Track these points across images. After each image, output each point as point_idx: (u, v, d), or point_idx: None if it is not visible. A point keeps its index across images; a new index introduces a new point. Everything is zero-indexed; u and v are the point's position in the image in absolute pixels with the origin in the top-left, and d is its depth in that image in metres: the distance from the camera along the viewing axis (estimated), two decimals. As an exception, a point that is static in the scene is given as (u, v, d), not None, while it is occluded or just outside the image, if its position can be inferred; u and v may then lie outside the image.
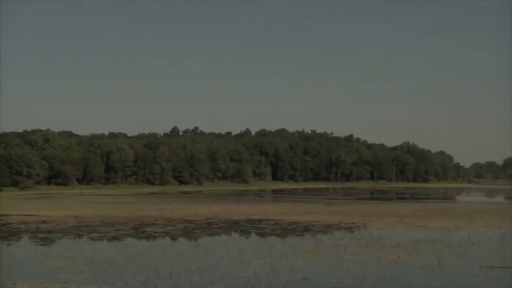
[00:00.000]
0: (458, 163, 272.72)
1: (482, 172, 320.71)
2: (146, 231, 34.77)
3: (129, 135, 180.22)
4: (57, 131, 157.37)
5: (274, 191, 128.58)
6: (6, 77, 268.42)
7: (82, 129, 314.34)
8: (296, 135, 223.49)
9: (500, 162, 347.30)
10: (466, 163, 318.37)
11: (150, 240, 30.13)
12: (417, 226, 37.54)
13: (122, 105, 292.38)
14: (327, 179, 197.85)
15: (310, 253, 24.68)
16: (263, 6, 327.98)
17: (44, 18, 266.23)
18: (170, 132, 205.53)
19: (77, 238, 31.14)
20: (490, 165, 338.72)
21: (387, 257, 23.45)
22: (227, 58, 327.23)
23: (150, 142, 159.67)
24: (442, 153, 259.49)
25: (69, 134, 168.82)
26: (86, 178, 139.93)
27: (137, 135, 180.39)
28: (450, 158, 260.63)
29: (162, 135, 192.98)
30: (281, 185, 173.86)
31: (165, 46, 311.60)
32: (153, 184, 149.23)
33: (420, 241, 28.92)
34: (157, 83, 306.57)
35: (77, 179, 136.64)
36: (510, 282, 18.42)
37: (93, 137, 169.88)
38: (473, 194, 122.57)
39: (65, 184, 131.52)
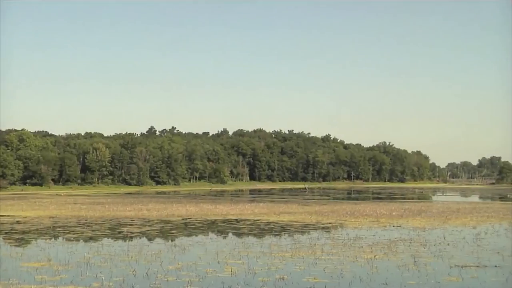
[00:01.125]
0: (434, 163, 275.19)
1: (457, 172, 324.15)
2: (122, 232, 34.60)
3: (105, 135, 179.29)
4: (32, 131, 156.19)
5: (252, 191, 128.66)
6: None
7: (58, 129, 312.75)
8: (273, 135, 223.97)
9: (475, 162, 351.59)
10: (442, 163, 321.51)
11: (127, 241, 29.96)
12: (393, 226, 37.78)
13: (98, 105, 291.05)
14: (304, 179, 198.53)
15: (287, 253, 24.72)
16: (233, 6, 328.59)
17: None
18: (147, 132, 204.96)
19: (53, 239, 30.89)
20: (465, 165, 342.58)
21: (363, 257, 23.56)
22: (204, 58, 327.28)
23: (126, 142, 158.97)
24: (418, 153, 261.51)
25: (45, 134, 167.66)
26: (62, 179, 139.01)
27: (113, 135, 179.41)
28: (426, 158, 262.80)
29: (139, 135, 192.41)
30: (258, 185, 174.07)
31: (141, 46, 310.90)
32: (129, 184, 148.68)
33: (396, 241, 29.10)
34: (134, 83, 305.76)
35: (52, 180, 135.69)
36: (484, 281, 18.58)
37: (69, 137, 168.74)
38: (448, 193, 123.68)
39: (40, 185, 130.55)
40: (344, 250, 25.51)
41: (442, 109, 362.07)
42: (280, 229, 35.95)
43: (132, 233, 33.84)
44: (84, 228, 36.79)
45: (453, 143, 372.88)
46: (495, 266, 21.37)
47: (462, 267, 20.98)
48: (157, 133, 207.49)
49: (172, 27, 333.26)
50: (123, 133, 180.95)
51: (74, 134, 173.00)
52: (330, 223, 40.42)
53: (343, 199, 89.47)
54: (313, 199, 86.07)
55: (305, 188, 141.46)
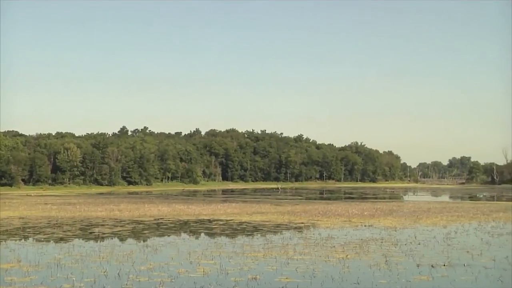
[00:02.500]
0: (405, 163, 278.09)
1: (428, 172, 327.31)
2: (94, 232, 34.32)
3: (76, 134, 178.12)
4: (2, 130, 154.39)
5: (224, 191, 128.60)
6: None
7: (29, 129, 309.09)
8: (246, 135, 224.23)
9: (445, 162, 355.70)
10: (413, 163, 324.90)
11: (98, 241, 29.74)
12: (365, 226, 38.00)
13: (69, 105, 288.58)
14: (276, 179, 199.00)
15: (260, 253, 24.74)
16: (205, 5, 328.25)
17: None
18: (118, 132, 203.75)
19: (23, 240, 30.53)
20: (436, 165, 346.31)
21: (335, 256, 23.67)
22: (176, 58, 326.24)
23: (98, 142, 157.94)
24: (389, 153, 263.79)
25: (15, 134, 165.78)
26: (32, 179, 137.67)
27: (85, 135, 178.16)
28: (397, 158, 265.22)
29: (110, 135, 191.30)
30: (231, 185, 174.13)
31: (113, 45, 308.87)
32: (101, 184, 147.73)
33: (368, 240, 29.28)
34: (106, 82, 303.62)
35: (23, 180, 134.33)
36: (454, 280, 18.79)
37: (39, 137, 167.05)
38: (419, 193, 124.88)
39: (10, 185, 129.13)
40: (316, 250, 25.60)
41: (414, 110, 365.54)
42: (253, 229, 35.97)
43: (104, 233, 33.60)
44: (54, 228, 36.43)
45: (424, 143, 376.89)
46: (465, 265, 21.61)
47: (432, 266, 21.18)
48: (129, 133, 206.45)
49: (144, 27, 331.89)
50: (95, 133, 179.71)
51: (45, 134, 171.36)
52: (302, 223, 40.54)
53: (315, 199, 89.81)
54: (286, 199, 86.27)
55: (278, 188, 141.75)
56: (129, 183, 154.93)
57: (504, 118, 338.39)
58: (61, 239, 30.93)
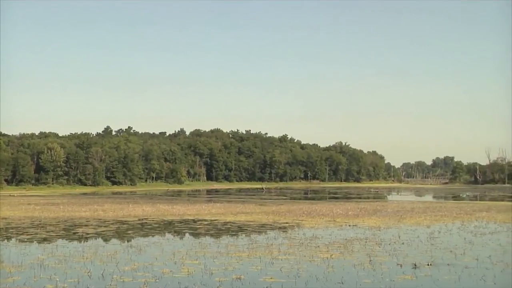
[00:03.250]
0: (389, 163, 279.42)
1: (412, 171, 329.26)
2: (77, 232, 34.15)
3: (60, 134, 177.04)
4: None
5: (209, 191, 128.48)
6: None
7: (11, 129, 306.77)
8: (230, 135, 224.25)
9: (429, 162, 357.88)
10: (397, 163, 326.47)
11: (82, 242, 29.59)
12: (349, 225, 38.10)
13: (53, 104, 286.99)
14: (261, 179, 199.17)
15: (244, 253, 24.74)
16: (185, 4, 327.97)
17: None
18: (102, 132, 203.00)
19: (6, 240, 30.31)
20: (420, 165, 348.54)
21: (320, 256, 23.72)
22: (160, 58, 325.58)
23: (82, 142, 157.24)
24: (374, 153, 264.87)
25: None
26: (15, 179, 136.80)
27: (68, 135, 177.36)
28: (381, 158, 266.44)
29: (94, 135, 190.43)
30: (215, 185, 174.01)
31: (97, 45, 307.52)
32: (85, 184, 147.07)
33: (352, 240, 29.37)
34: (89, 81, 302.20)
35: (6, 180, 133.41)
36: (437, 279, 18.90)
37: (22, 136, 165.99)
38: (403, 193, 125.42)
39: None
40: (300, 250, 25.64)
41: (398, 110, 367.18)
42: (237, 229, 35.96)
43: (88, 234, 33.44)
44: (38, 229, 36.20)
45: (408, 143, 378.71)
46: (448, 264, 21.74)
47: (415, 265, 21.28)
48: (113, 133, 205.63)
49: (128, 26, 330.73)
50: (79, 133, 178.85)
51: (28, 134, 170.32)
52: (287, 223, 40.58)
53: (300, 199, 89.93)
54: (270, 199, 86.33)
55: (262, 188, 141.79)
56: (113, 183, 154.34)
57: (488, 118, 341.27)
58: (45, 239, 30.74)
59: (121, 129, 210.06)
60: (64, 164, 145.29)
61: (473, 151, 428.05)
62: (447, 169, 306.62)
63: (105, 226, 37.87)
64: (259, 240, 29.66)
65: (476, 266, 21.51)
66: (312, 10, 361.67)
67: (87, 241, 29.78)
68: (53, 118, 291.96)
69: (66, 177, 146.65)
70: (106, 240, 30.76)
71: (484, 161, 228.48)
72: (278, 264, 21.64)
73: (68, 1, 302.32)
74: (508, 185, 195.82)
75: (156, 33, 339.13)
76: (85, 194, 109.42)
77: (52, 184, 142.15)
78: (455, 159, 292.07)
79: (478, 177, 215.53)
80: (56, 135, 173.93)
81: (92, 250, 25.88)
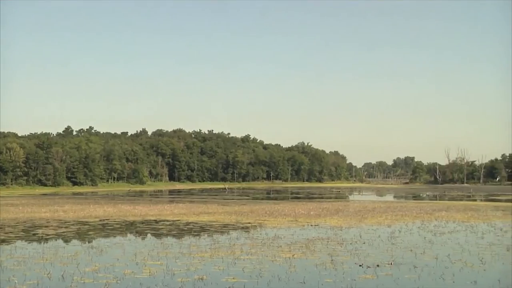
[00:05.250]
0: (351, 163, 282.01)
1: (373, 171, 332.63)
2: (37, 234, 33.66)
3: (20, 134, 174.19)
4: None
5: (171, 192, 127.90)
6: None
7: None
8: (193, 135, 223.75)
9: (390, 162, 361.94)
10: (358, 163, 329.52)
11: (42, 243, 29.18)
12: (311, 225, 38.30)
13: (12, 103, 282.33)
14: (224, 179, 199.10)
15: (207, 253, 24.69)
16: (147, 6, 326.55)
17: None
18: (63, 132, 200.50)
19: (-37, 242, 29.74)
20: (381, 165, 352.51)
21: (282, 256, 23.79)
22: (121, 57, 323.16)
23: (42, 142, 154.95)
24: (336, 153, 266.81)
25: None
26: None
27: (28, 135, 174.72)
28: (343, 158, 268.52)
29: (55, 135, 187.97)
30: (177, 186, 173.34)
31: (58, 44, 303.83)
32: (45, 185, 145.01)
33: (314, 240, 29.52)
34: (50, 81, 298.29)
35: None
36: (397, 278, 19.11)
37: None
38: (364, 193, 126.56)
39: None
40: (263, 250, 25.69)
41: (360, 110, 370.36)
42: (200, 230, 35.87)
43: (48, 235, 32.99)
44: (-4, 230, 35.60)
45: (369, 143, 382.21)
46: (408, 263, 22.01)
47: (377, 265, 21.49)
48: (74, 133, 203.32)
49: (86, 26, 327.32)
50: (38, 133, 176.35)
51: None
52: (249, 223, 40.62)
53: (262, 199, 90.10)
54: (233, 199, 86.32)
55: (225, 188, 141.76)
56: (74, 183, 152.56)
57: (447, 118, 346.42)
58: (3, 241, 30.24)
59: (82, 129, 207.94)
60: (24, 165, 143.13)
61: (433, 151, 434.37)
62: (408, 169, 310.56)
63: (65, 227, 37.42)
64: (222, 241, 29.63)
65: (435, 265, 21.83)
66: (260, 10, 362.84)
67: (47, 242, 29.38)
68: (12, 118, 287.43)
69: (26, 178, 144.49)
70: (66, 241, 30.40)
71: (443, 161, 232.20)
72: (240, 264, 21.65)
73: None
74: (466, 184, 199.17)
75: (115, 33, 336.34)
76: (45, 194, 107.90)
77: (11, 184, 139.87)
78: (416, 159, 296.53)
79: (437, 177, 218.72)
80: (15, 135, 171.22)
81: (52, 251, 25.55)
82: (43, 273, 19.88)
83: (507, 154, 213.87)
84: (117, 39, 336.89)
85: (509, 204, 72.15)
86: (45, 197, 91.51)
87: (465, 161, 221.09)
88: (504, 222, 41.74)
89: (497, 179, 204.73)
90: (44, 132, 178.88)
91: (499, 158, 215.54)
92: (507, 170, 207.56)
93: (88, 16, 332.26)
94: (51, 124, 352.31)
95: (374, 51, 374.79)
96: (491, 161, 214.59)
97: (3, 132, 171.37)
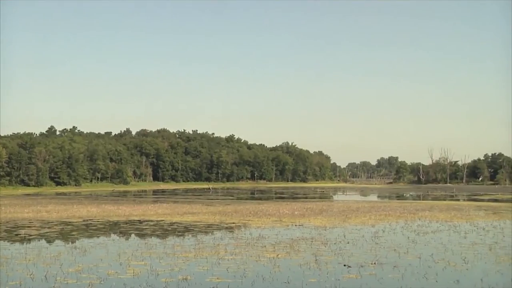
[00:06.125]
0: (335, 163, 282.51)
1: (357, 171, 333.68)
2: (20, 234, 33.44)
3: (2, 134, 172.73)
4: None
5: (155, 192, 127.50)
6: None
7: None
8: (177, 135, 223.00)
9: (373, 162, 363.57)
10: (343, 163, 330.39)
11: (24, 243, 29.00)
12: (295, 225, 38.37)
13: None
14: (208, 179, 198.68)
15: (191, 253, 24.67)
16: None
17: None
18: (46, 132, 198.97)
19: None
20: (365, 165, 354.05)
21: (266, 256, 23.82)
22: (106, 56, 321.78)
23: (25, 142, 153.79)
24: (320, 153, 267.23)
25: None
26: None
27: (11, 135, 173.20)
28: (327, 158, 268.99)
29: (38, 135, 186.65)
30: (162, 186, 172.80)
31: (41, 42, 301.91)
32: (28, 185, 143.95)
33: (298, 240, 29.58)
34: (33, 80, 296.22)
35: None
36: (381, 277, 19.20)
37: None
38: (348, 193, 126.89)
39: None
40: (247, 250, 25.71)
41: (344, 110, 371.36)
42: (184, 230, 35.82)
43: (30, 235, 32.79)
44: (-22, 231, 35.33)
45: (354, 143, 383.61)
46: (392, 263, 22.12)
47: (361, 265, 21.58)
48: (57, 133, 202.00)
49: (69, 24, 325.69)
50: (21, 133, 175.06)
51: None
52: (233, 223, 40.62)
53: (246, 199, 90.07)
54: (217, 199, 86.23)
55: (209, 188, 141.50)
56: (57, 183, 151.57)
57: (430, 118, 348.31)
58: (-14, 241, 30.03)
59: (65, 129, 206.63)
60: (6, 165, 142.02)
61: (417, 152, 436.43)
62: (392, 169, 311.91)
63: (48, 227, 37.20)
64: (206, 241, 29.62)
65: (418, 264, 21.96)
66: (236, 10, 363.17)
67: (29, 243, 29.21)
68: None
69: (8, 178, 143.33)
70: (49, 241, 30.23)
71: (427, 161, 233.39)
72: (224, 264, 21.66)
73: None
74: (449, 184, 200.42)
75: (100, 32, 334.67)
76: (28, 195, 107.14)
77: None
78: (399, 159, 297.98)
79: (421, 177, 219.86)
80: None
81: (35, 252, 25.41)
82: (26, 274, 19.76)
83: (490, 154, 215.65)
84: (100, 38, 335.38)
85: (491, 203, 72.77)
86: (28, 198, 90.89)
87: (448, 161, 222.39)
88: (487, 222, 42.07)
89: (480, 179, 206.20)
90: (27, 132, 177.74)
91: (482, 158, 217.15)
92: (489, 170, 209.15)
93: (65, 10, 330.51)
94: (35, 124, 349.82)
95: (357, 50, 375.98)
96: (474, 161, 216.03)
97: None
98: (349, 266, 21.22)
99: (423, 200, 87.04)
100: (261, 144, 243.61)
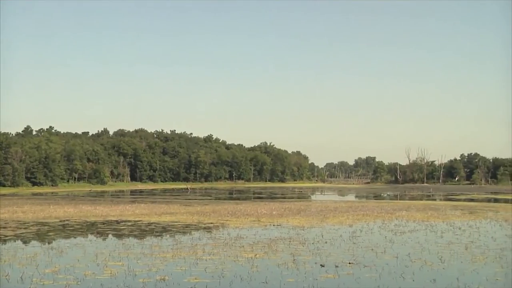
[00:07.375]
0: (313, 163, 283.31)
1: (335, 171, 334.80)
2: (-5, 235, 33.11)
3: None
4: None
5: (133, 192, 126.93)
6: None
7: None
8: (155, 135, 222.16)
9: (351, 162, 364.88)
10: (321, 163, 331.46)
11: (0, 244, 28.71)
12: (273, 225, 38.42)
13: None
14: (186, 180, 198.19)
15: (169, 254, 24.60)
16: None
17: None
18: (22, 131, 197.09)
19: None
20: (342, 165, 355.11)
21: (244, 256, 23.83)
22: (84, 55, 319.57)
23: (0, 142, 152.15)
24: (298, 153, 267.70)
25: None
26: None
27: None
28: (305, 158, 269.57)
29: (14, 135, 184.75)
30: (139, 186, 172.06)
31: (18, 41, 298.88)
32: (3, 185, 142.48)
33: (276, 240, 29.63)
34: (8, 79, 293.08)
35: None
36: (358, 277, 19.30)
37: None
38: (326, 193, 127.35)
39: None
40: (225, 250, 25.69)
41: (322, 110, 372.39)
42: (162, 230, 35.71)
43: (6, 236, 32.46)
44: (-47, 232, 34.90)
45: (331, 143, 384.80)
46: (369, 262, 22.24)
47: (337, 265, 21.66)
48: (34, 132, 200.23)
49: (53, 24, 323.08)
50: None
51: None
52: (211, 223, 40.57)
53: (225, 199, 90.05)
54: (195, 199, 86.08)
55: (187, 189, 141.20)
56: (34, 184, 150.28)
57: (407, 118, 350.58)
58: (-40, 242, 29.69)
59: (42, 128, 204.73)
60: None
61: (394, 151, 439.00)
62: (369, 169, 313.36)
63: (24, 228, 36.87)
64: (184, 241, 29.55)
65: (396, 263, 22.10)
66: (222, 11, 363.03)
67: (5, 244, 28.93)
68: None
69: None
70: (25, 242, 29.97)
71: (404, 161, 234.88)
72: (202, 265, 21.63)
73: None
74: (426, 184, 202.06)
75: (79, 32, 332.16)
76: (3, 195, 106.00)
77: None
78: (377, 159, 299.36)
79: (398, 177, 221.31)
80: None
81: (10, 253, 25.17)
82: (1, 275, 19.58)
83: (466, 154, 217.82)
84: (78, 38, 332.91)
85: (467, 203, 73.50)
86: (3, 198, 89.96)
87: (425, 161, 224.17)
88: (463, 221, 42.47)
89: (456, 178, 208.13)
90: (2, 132, 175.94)
91: (458, 158, 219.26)
92: (465, 170, 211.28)
93: (47, 9, 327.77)
94: (10, 124, 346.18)
95: (331, 48, 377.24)
96: (450, 161, 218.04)
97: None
98: (322, 266, 21.31)
99: (400, 200, 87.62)
100: (240, 144, 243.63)
